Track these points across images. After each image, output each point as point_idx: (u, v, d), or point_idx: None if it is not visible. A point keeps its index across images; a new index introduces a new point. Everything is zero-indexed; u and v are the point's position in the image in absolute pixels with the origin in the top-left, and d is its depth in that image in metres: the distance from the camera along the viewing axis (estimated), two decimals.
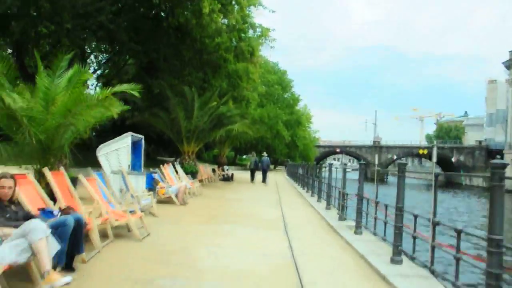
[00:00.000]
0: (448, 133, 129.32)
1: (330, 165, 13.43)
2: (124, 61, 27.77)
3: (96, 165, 10.45)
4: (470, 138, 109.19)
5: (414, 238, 5.85)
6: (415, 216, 5.88)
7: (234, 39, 23.54)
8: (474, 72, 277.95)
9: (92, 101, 6.80)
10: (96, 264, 5.21)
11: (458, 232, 4.50)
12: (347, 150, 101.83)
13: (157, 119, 21.40)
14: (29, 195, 5.53)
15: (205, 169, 25.28)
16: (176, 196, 12.14)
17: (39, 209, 5.23)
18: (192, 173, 19.94)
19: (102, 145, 10.29)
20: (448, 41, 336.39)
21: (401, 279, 5.32)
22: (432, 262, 5.16)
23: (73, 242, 4.57)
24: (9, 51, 22.72)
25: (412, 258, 5.81)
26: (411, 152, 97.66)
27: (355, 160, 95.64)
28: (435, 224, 5.05)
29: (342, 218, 10.22)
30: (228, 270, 5.48)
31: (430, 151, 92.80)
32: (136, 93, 7.71)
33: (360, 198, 8.39)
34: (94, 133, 26.23)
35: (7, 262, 3.66)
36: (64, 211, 5.06)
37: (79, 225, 4.71)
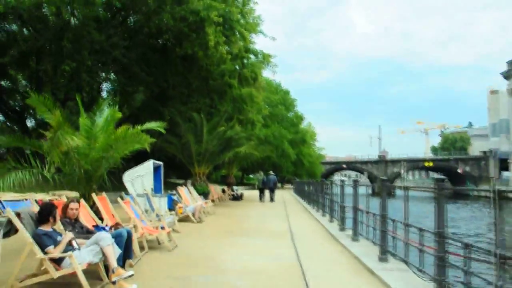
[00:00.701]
0: (454, 144, 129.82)
1: (331, 182, 14.73)
2: (135, 89, 29.42)
3: (120, 188, 11.85)
4: (476, 149, 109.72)
5: (393, 238, 7.17)
6: (393, 221, 7.22)
7: (237, 65, 25.14)
8: (477, 82, 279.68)
9: (129, 138, 8.23)
10: (141, 267, 6.56)
11: (421, 229, 5.83)
12: (353, 166, 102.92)
13: (169, 145, 22.82)
14: (83, 215, 6.92)
15: (215, 190, 26.60)
16: (193, 214, 13.48)
17: (93, 226, 6.63)
18: (204, 194, 21.24)
19: (127, 172, 11.70)
20: (450, 52, 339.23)
21: (385, 272, 6.62)
22: (406, 256, 6.48)
23: (125, 249, 5.92)
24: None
25: (393, 255, 7.12)
26: (417, 165, 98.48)
27: (362, 176, 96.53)
28: (406, 225, 6.40)
29: (342, 228, 11.51)
30: (246, 269, 6.82)
31: (436, 163, 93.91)
32: (162, 130, 9.13)
33: (355, 209, 9.70)
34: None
35: (87, 261, 5.04)
36: (115, 226, 6.44)
37: (129, 236, 6.08)
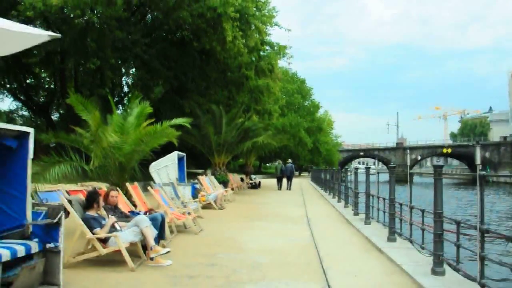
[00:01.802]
0: (474, 130, 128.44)
1: (346, 169, 15.42)
2: (154, 83, 30.36)
3: (148, 177, 12.74)
4: (496, 134, 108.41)
5: (401, 220, 7.87)
6: (401, 204, 7.93)
7: (254, 57, 25.81)
8: (497, 66, 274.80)
9: (159, 132, 9.07)
10: (173, 247, 7.36)
11: (422, 211, 6.52)
12: (370, 153, 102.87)
13: (190, 136, 23.66)
14: (120, 202, 7.77)
15: (234, 178, 27.47)
16: (215, 202, 14.33)
17: (129, 211, 7.47)
18: (224, 182, 22.11)
19: (153, 163, 12.56)
20: (469, 35, 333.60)
21: (391, 249, 7.33)
22: (411, 235, 7.19)
23: (160, 231, 6.73)
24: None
25: (400, 234, 7.83)
26: (435, 151, 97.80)
27: (380, 163, 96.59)
28: (411, 208, 7.10)
29: (356, 213, 12.21)
30: (265, 248, 7.60)
31: (455, 150, 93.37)
32: (187, 125, 9.96)
33: (368, 195, 10.40)
34: None
35: (129, 240, 5.87)
36: (149, 211, 7.27)
37: (163, 219, 6.90)
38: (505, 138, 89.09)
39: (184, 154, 14.01)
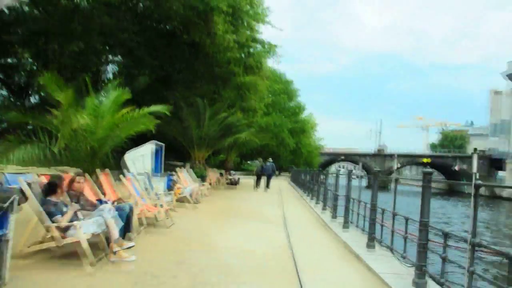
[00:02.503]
0: (453, 142, 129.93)
1: (327, 171, 15.11)
2: (139, 72, 29.64)
3: (123, 167, 12.20)
4: (474, 147, 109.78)
5: (382, 227, 7.55)
6: (383, 210, 7.60)
7: (243, 54, 25.35)
8: (481, 82, 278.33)
9: (135, 119, 8.58)
10: (140, 240, 6.94)
11: (406, 218, 6.19)
12: (351, 158, 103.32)
13: (170, 127, 23.13)
14: (87, 189, 7.27)
15: (213, 174, 26.99)
16: (191, 196, 13.86)
17: (96, 200, 6.98)
18: (202, 177, 21.65)
19: (129, 151, 12.02)
20: (455, 51, 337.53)
21: (370, 256, 7.00)
22: (391, 243, 6.86)
23: (126, 223, 6.28)
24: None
25: (379, 242, 7.50)
26: (414, 160, 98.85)
27: (359, 168, 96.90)
28: (394, 215, 6.77)
29: (334, 216, 11.88)
30: (238, 249, 7.21)
31: (433, 160, 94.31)
32: (167, 112, 9.48)
33: (348, 198, 10.08)
34: None
35: (91, 231, 5.40)
36: (119, 201, 6.80)
37: (131, 210, 6.45)
38: (483, 152, 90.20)
39: (163, 144, 13.51)
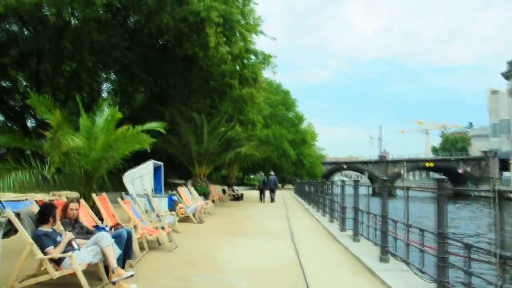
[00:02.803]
0: (454, 144, 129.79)
1: (332, 182, 14.74)
2: (135, 90, 29.42)
3: (121, 188, 11.83)
4: (476, 149, 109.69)
5: (395, 239, 7.16)
6: (395, 221, 7.21)
7: (238, 66, 25.13)
8: (477, 82, 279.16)
9: (129, 138, 8.23)
10: (141, 267, 6.55)
11: (423, 230, 5.81)
12: (353, 166, 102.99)
13: (169, 145, 22.79)
14: (83, 215, 6.91)
15: (215, 190, 26.60)
16: (194, 215, 13.48)
17: (93, 226, 6.62)
18: (205, 194, 21.24)
19: (127, 172, 11.66)
20: (450, 52, 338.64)
21: (385, 272, 6.61)
22: (407, 257, 6.46)
23: (125, 249, 5.91)
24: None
25: (394, 255, 7.10)
26: (417, 165, 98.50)
27: (363, 176, 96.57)
28: (408, 226, 6.39)
29: (342, 229, 11.49)
30: (246, 268, 6.81)
31: (436, 164, 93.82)
32: (162, 130, 9.13)
33: (356, 210, 9.69)
34: None
35: (87, 262, 5.03)
36: (116, 227, 6.43)
37: (129, 236, 6.07)
38: (485, 152, 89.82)
39: (161, 163, 13.14)
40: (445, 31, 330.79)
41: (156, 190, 12.70)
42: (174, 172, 41.38)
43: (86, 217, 6.99)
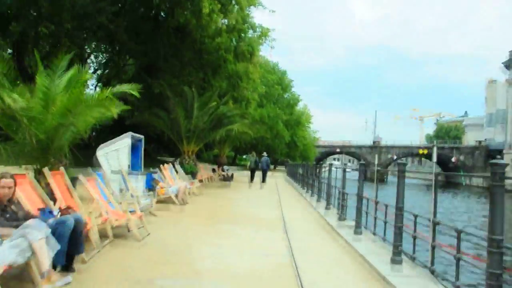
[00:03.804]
0: (448, 133, 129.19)
1: (330, 165, 13.45)
2: (124, 61, 27.80)
3: (96, 164, 10.44)
4: (470, 138, 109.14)
5: (414, 238, 5.85)
6: (415, 216, 5.88)
7: (234, 39, 23.55)
8: (474, 72, 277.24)
9: (92, 102, 6.80)
10: (96, 264, 5.21)
11: (459, 232, 4.48)
12: (347, 151, 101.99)
13: (157, 119, 21.39)
14: (29, 195, 5.52)
15: (205, 169, 25.28)
16: (176, 196, 12.13)
17: (39, 209, 5.22)
18: (192, 173, 19.94)
19: (102, 145, 10.28)
20: (448, 41, 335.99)
21: (401, 279, 5.31)
22: (432, 262, 5.15)
23: (72, 242, 4.55)
24: (9, 51, 22.68)
25: (413, 258, 5.80)
26: (411, 152, 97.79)
27: (355, 160, 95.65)
28: (435, 224, 5.05)
29: (342, 218, 10.20)
30: (228, 270, 5.49)
31: (430, 151, 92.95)
32: (135, 93, 7.72)
33: (360, 198, 8.37)
34: (94, 133, 26.27)
35: (7, 262, 3.65)
36: (64, 211, 5.05)
37: (79, 225, 4.71)
38: (479, 142, 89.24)
39: (142, 136, 11.67)
40: (444, 21, 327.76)
41: (135, 166, 11.31)
42: (165, 149, 40.04)
43: (33, 198, 5.61)
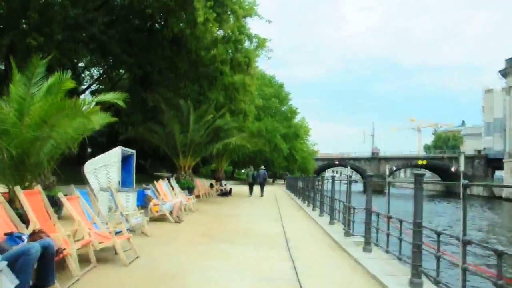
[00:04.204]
0: (446, 142, 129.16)
1: (333, 177, 12.75)
2: (118, 75, 27.19)
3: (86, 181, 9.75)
4: (469, 147, 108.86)
5: (438, 258, 5.16)
6: (438, 234, 5.20)
7: (230, 50, 22.96)
8: (470, 81, 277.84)
9: (70, 111, 6.11)
10: None
11: (499, 253, 3.75)
12: (345, 162, 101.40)
13: (151, 134, 20.73)
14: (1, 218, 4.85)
15: (202, 184, 24.57)
16: (171, 213, 11.43)
17: (5, 234, 4.53)
18: (189, 188, 19.25)
19: (89, 160, 9.58)
20: (443, 51, 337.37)
21: None
22: (464, 285, 4.43)
23: (40, 272, 3.87)
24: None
25: (437, 282, 5.09)
26: (409, 163, 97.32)
27: (353, 172, 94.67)
28: (465, 243, 4.35)
29: (347, 233, 9.51)
30: None
31: (430, 161, 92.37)
32: (121, 103, 7.05)
33: (369, 212, 7.69)
34: (90, 149, 25.53)
35: None
36: (33, 237, 4.37)
37: (48, 252, 4.02)
38: (479, 151, 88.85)
39: (133, 151, 10.95)
40: (438, 31, 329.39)
41: (127, 182, 10.59)
42: (162, 164, 39.26)
43: (4, 221, 4.93)
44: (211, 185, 27.26)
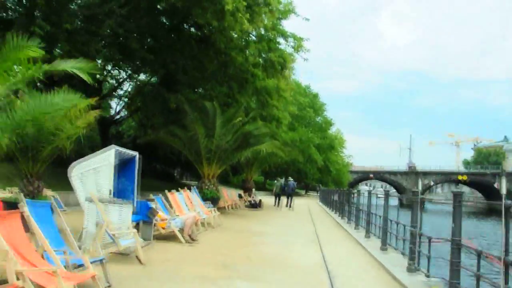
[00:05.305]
0: (487, 158, 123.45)
1: (387, 192, 10.25)
2: (148, 79, 25.35)
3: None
4: (511, 164, 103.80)
5: (478, 277, 2.70)
6: (479, 253, 2.90)
7: (263, 50, 20.73)
8: (509, 97, 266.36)
9: None
10: None
11: None
12: (381, 176, 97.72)
13: (173, 138, 18.65)
14: None
15: (229, 194, 22.38)
16: (181, 230, 9.18)
17: None
18: (213, 199, 17.07)
19: (75, 162, 7.42)
20: (482, 65, 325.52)
21: None
22: None
23: None
24: None
25: None
26: (448, 178, 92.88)
27: (388, 186, 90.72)
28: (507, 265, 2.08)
29: (413, 269, 7.03)
30: None
31: (470, 177, 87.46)
32: (86, 77, 4.89)
33: (458, 247, 5.21)
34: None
35: None
36: None
37: None
38: None
39: (136, 153, 8.75)
40: (477, 45, 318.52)
41: (125, 192, 8.39)
42: (191, 173, 37.40)
43: None
44: (240, 196, 25.03)
